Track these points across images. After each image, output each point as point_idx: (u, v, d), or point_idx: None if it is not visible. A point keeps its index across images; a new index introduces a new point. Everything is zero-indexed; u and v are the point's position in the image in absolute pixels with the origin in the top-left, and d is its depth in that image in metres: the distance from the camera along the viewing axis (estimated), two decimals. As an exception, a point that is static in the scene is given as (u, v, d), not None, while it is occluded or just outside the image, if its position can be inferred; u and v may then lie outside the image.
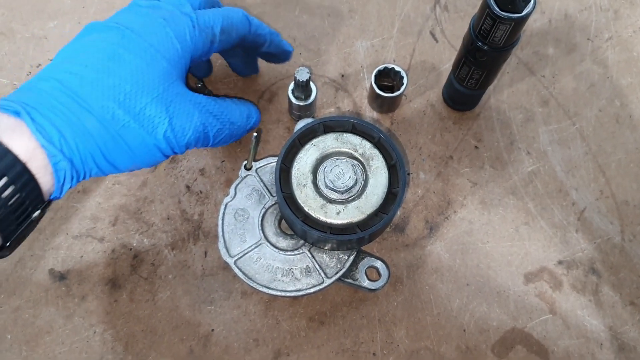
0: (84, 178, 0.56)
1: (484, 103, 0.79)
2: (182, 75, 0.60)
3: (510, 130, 0.78)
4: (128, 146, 0.56)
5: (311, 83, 0.71)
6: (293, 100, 0.72)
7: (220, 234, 0.65)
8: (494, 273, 0.71)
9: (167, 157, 0.61)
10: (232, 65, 0.78)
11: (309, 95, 0.72)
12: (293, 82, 0.71)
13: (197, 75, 0.78)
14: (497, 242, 0.73)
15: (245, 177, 0.68)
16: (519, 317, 0.70)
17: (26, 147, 0.50)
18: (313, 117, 0.76)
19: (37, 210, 0.53)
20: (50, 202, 0.55)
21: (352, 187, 0.59)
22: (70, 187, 0.55)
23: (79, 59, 0.56)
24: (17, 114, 0.51)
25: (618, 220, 0.74)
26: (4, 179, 0.48)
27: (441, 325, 0.69)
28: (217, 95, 0.75)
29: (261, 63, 0.79)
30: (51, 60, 0.79)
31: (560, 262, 0.72)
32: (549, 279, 0.71)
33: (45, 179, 0.52)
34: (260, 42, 0.69)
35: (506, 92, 0.80)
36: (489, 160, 0.76)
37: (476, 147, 0.77)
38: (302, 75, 0.68)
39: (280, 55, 0.74)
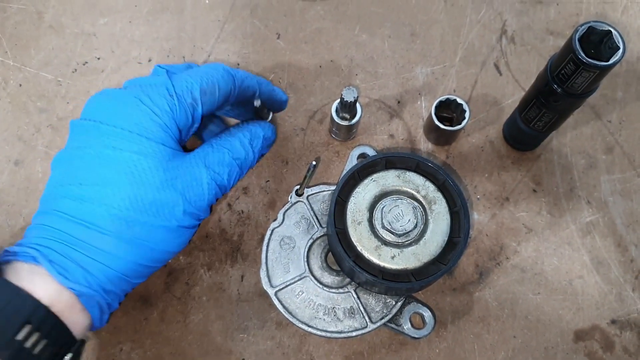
0: (123, 298, 0.55)
1: (546, 144, 0.74)
2: (175, 143, 0.56)
3: (571, 175, 0.74)
4: (154, 241, 0.53)
5: (357, 104, 0.68)
6: (337, 120, 0.69)
7: (263, 260, 0.62)
8: (543, 327, 0.67)
9: (195, 228, 0.58)
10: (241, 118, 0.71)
11: (354, 116, 0.69)
12: (338, 101, 0.67)
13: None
14: (549, 294, 0.69)
15: (295, 203, 0.64)
16: (567, 377, 0.66)
17: (48, 290, 0.47)
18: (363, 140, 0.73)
19: (69, 353, 0.49)
20: (84, 342, 0.52)
21: (410, 231, 0.55)
22: (112, 312, 0.53)
23: (71, 177, 0.52)
24: (34, 259, 0.48)
25: (680, 284, 0.69)
26: (27, 328, 0.45)
27: (484, 378, 0.66)
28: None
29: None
30: (86, 63, 0.77)
31: (613, 322, 0.68)
32: (600, 338, 0.67)
33: (73, 318, 0.49)
34: (248, 95, 0.63)
35: (569, 134, 0.75)
36: (546, 205, 0.72)
37: (534, 190, 0.73)
38: (350, 95, 0.64)
39: (274, 105, 0.68)
